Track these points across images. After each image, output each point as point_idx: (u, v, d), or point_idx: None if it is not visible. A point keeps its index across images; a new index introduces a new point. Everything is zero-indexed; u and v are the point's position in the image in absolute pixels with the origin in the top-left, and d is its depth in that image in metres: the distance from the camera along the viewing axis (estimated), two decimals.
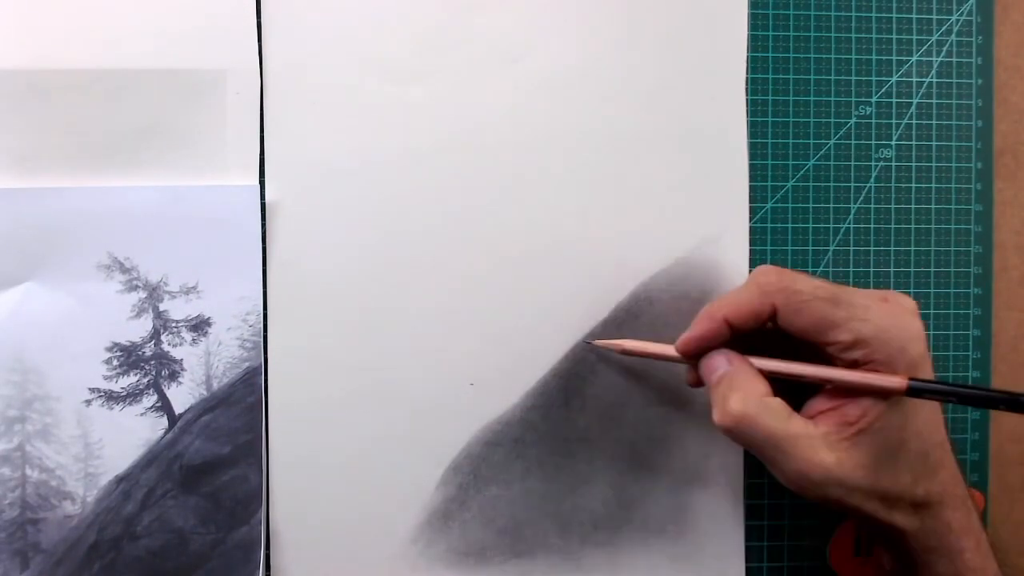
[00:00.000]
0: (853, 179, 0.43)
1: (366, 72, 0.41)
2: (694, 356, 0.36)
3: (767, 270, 0.35)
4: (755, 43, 0.43)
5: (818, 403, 0.34)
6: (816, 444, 0.33)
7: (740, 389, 0.34)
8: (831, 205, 0.43)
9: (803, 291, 0.34)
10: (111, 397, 0.39)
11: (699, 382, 0.37)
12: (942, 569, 0.34)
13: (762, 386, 0.34)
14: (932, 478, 0.34)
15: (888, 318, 0.33)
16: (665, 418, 0.42)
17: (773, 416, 0.33)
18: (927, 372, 0.33)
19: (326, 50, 0.40)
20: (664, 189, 0.42)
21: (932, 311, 0.43)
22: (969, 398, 0.33)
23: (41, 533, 0.39)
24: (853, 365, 0.33)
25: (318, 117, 0.40)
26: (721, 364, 0.35)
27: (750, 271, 0.42)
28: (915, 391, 0.32)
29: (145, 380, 0.40)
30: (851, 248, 0.43)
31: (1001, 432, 0.44)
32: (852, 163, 0.43)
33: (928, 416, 0.34)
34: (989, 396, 0.32)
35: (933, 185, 0.43)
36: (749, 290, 0.35)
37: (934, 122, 0.43)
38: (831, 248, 0.43)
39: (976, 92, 0.43)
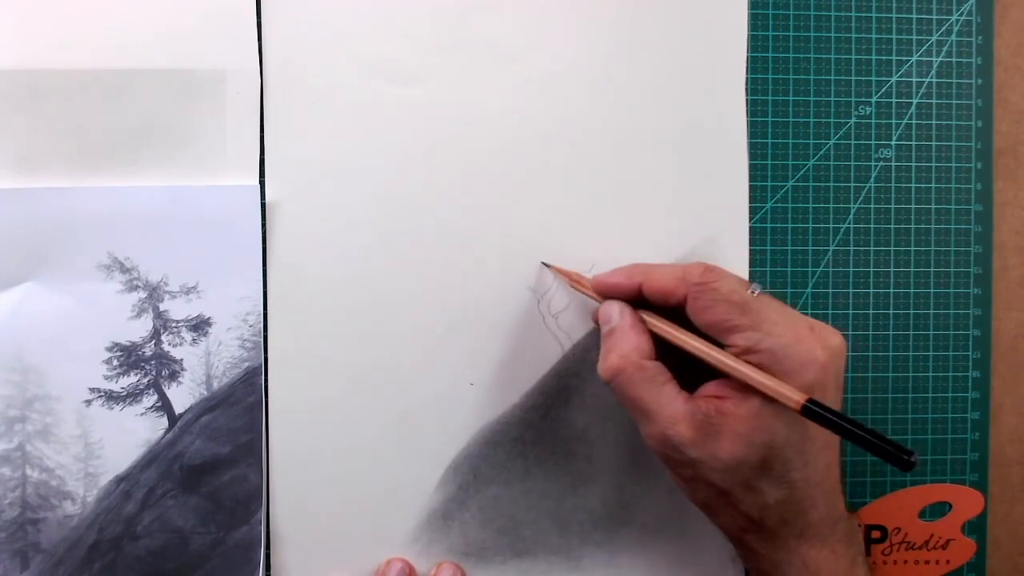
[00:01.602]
0: (853, 179, 0.43)
1: (366, 72, 0.41)
2: (603, 296, 0.38)
3: (696, 264, 0.36)
4: (755, 43, 0.43)
5: (709, 387, 0.34)
6: (679, 417, 0.33)
7: (621, 346, 0.35)
8: (831, 205, 0.43)
9: (718, 290, 0.34)
10: (111, 397, 0.39)
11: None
12: None
13: (644, 347, 0.35)
14: (794, 512, 0.33)
15: (792, 341, 0.33)
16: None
17: (644, 379, 0.34)
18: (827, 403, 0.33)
19: (326, 50, 0.40)
20: (664, 189, 0.42)
21: (932, 311, 0.43)
22: (855, 436, 0.31)
23: (41, 533, 0.39)
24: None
25: (318, 117, 0.40)
26: (613, 315, 0.36)
27: (750, 271, 0.42)
28: (809, 411, 0.31)
29: (145, 380, 0.40)
30: (851, 248, 0.43)
31: (1001, 432, 0.44)
32: (852, 163, 0.43)
33: (812, 449, 0.33)
34: (876, 443, 0.30)
35: (933, 185, 0.43)
36: (673, 272, 0.36)
37: (934, 122, 0.43)
38: (831, 248, 0.43)
39: (976, 92, 0.43)
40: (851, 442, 0.31)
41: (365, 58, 0.41)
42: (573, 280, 0.40)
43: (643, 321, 0.36)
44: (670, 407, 0.34)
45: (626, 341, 0.35)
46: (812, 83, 0.43)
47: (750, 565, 0.37)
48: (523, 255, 0.41)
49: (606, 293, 0.38)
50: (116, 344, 0.40)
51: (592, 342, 0.41)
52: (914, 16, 0.43)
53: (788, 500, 0.33)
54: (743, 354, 0.33)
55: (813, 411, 0.31)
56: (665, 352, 0.36)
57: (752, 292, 0.34)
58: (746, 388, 0.33)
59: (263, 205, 0.40)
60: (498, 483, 0.41)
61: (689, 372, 0.35)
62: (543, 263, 0.41)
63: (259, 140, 0.40)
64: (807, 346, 0.33)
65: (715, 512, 0.35)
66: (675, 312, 0.36)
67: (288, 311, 0.40)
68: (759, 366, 0.33)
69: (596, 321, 0.39)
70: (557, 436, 0.42)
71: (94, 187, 0.39)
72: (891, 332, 0.43)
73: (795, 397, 0.31)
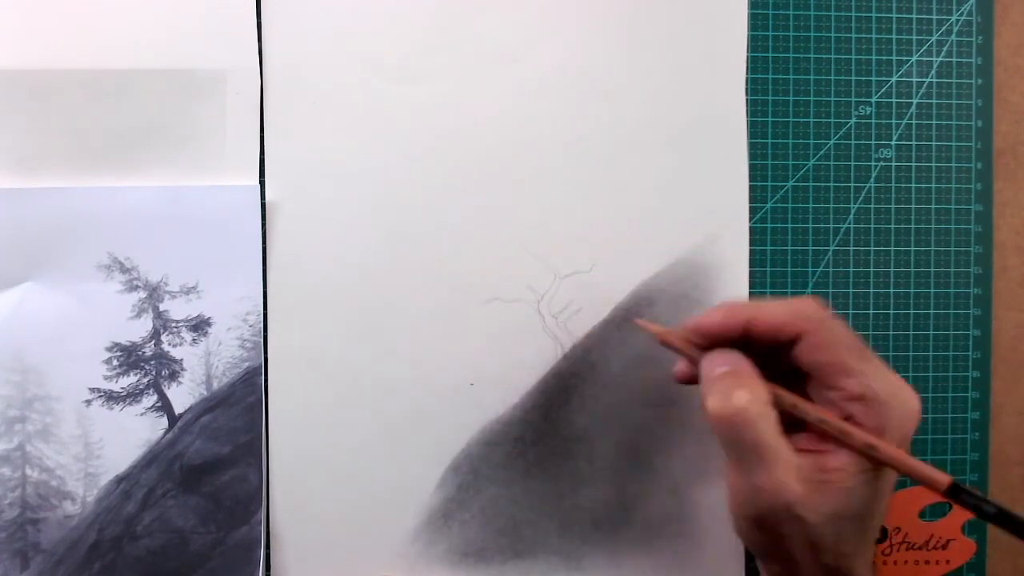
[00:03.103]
0: (853, 179, 0.43)
1: (366, 72, 0.41)
2: (700, 345, 0.35)
3: (810, 300, 0.34)
4: (755, 43, 0.43)
5: (800, 439, 0.33)
6: (794, 469, 0.32)
7: (749, 387, 0.33)
8: (831, 205, 0.43)
9: (835, 330, 0.33)
10: (111, 397, 0.39)
11: (688, 377, 0.36)
12: None
13: (767, 394, 0.33)
14: (855, 558, 0.33)
15: (900, 390, 0.32)
16: (665, 418, 0.42)
17: (769, 424, 0.32)
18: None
19: (326, 50, 0.40)
20: (664, 189, 0.42)
21: (932, 311, 0.43)
22: (1005, 520, 0.30)
23: (41, 533, 0.39)
24: (842, 416, 0.33)
25: (318, 117, 0.40)
26: (729, 361, 0.34)
27: (750, 271, 0.42)
28: (954, 492, 0.30)
29: (145, 380, 0.40)
30: (851, 248, 0.43)
31: (1001, 432, 0.44)
32: (852, 163, 0.43)
33: (888, 500, 0.33)
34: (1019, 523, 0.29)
35: (933, 185, 0.43)
36: (783, 307, 0.34)
37: (934, 122, 0.43)
38: (831, 248, 0.43)
39: (976, 92, 0.43)
40: (996, 525, 0.30)
41: (365, 58, 0.41)
42: (660, 336, 0.36)
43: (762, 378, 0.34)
44: (787, 459, 0.32)
45: (752, 384, 0.33)
46: (812, 83, 0.43)
47: None
48: (523, 255, 0.41)
49: (705, 338, 0.35)
50: (116, 344, 0.40)
51: (592, 342, 0.41)
52: (914, 16, 0.43)
53: (856, 549, 0.33)
54: (855, 399, 0.32)
55: (958, 491, 0.30)
56: None
57: None
58: (839, 440, 0.32)
59: (263, 205, 0.40)
60: (498, 483, 0.41)
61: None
62: (635, 321, 0.38)
63: (259, 140, 0.40)
64: (909, 400, 0.32)
65: (791, 565, 0.33)
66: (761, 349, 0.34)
67: (288, 311, 0.40)
68: (866, 413, 0.32)
69: (680, 375, 0.37)
70: (557, 436, 0.42)
71: (94, 187, 0.39)
72: (891, 332, 0.43)
73: (942, 480, 0.31)
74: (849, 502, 0.32)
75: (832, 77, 0.43)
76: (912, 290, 0.43)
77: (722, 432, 0.33)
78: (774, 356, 0.34)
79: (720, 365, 0.34)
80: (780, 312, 0.34)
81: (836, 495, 0.32)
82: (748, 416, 0.32)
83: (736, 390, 0.33)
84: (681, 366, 0.37)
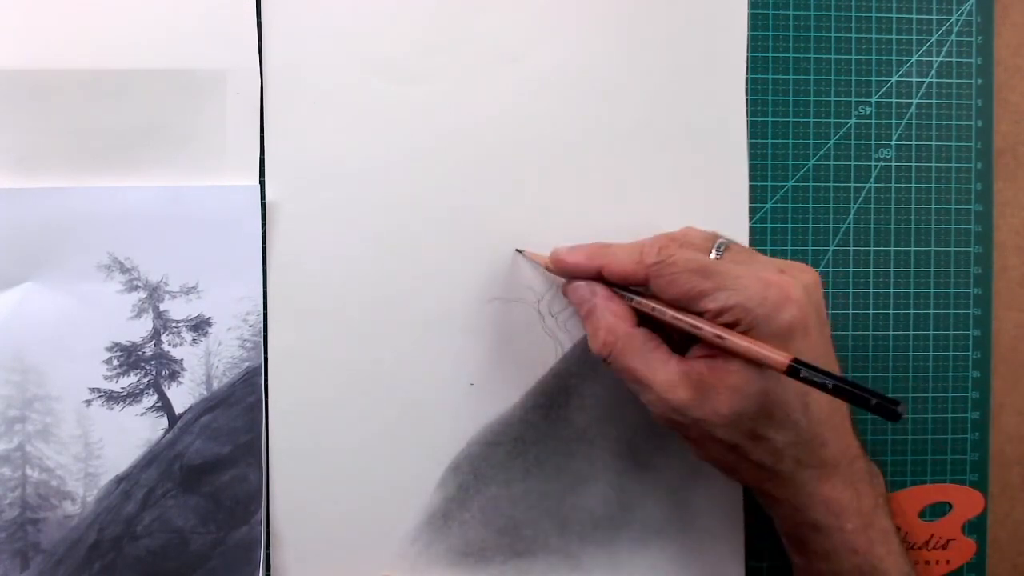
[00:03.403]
0: (853, 179, 0.43)
1: (366, 72, 0.41)
2: (564, 276, 0.39)
3: (660, 239, 0.36)
4: (755, 43, 0.43)
5: (699, 348, 0.35)
6: (676, 380, 0.34)
7: (606, 319, 0.36)
8: (831, 205, 0.43)
9: (676, 263, 0.34)
10: (111, 397, 0.39)
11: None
12: (818, 545, 0.35)
13: (627, 316, 0.36)
14: (807, 452, 0.34)
15: (762, 286, 0.33)
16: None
17: (635, 348, 0.35)
18: (810, 340, 0.33)
19: (326, 50, 0.40)
20: (664, 189, 0.42)
21: (932, 311, 0.43)
22: (842, 391, 0.31)
23: (41, 533, 0.39)
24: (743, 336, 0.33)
25: (318, 117, 0.40)
26: (585, 295, 0.37)
27: None
28: (794, 371, 0.31)
29: (145, 380, 0.40)
30: (851, 248, 0.43)
31: (1001, 432, 0.44)
32: (852, 163, 0.43)
33: (812, 393, 0.33)
34: (862, 394, 0.30)
35: (933, 185, 0.43)
36: (631, 255, 0.36)
37: (934, 122, 0.43)
38: (831, 248, 0.43)
39: (976, 92, 0.43)
40: (838, 397, 0.31)
41: (365, 58, 0.41)
42: (544, 264, 0.39)
43: (618, 293, 0.37)
44: (664, 372, 0.34)
45: (608, 314, 0.36)
46: (812, 83, 0.43)
47: (777, 515, 0.37)
48: (523, 255, 0.41)
49: (569, 274, 0.38)
50: (116, 344, 0.40)
51: None
52: (914, 16, 0.43)
53: (796, 442, 0.34)
54: (717, 316, 0.33)
55: (798, 371, 0.31)
56: (648, 322, 0.36)
57: (718, 248, 0.35)
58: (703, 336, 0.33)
59: (263, 205, 0.40)
60: (498, 483, 0.41)
61: (680, 338, 0.36)
62: (517, 250, 0.41)
63: (259, 140, 0.40)
64: (778, 290, 0.33)
65: (730, 468, 0.36)
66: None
67: (288, 311, 0.40)
68: (735, 323, 0.33)
69: (569, 301, 0.39)
70: (557, 436, 0.42)
71: (94, 187, 0.39)
72: (891, 332, 0.43)
73: (779, 359, 0.31)
74: (746, 401, 0.33)
75: (832, 77, 0.43)
76: (912, 290, 0.43)
77: (610, 367, 0.36)
78: None
79: (580, 302, 0.37)
80: (627, 260, 0.36)
81: (729, 395, 0.33)
82: (616, 347, 0.35)
83: (599, 327, 0.36)
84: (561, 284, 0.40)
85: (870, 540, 0.35)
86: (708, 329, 0.33)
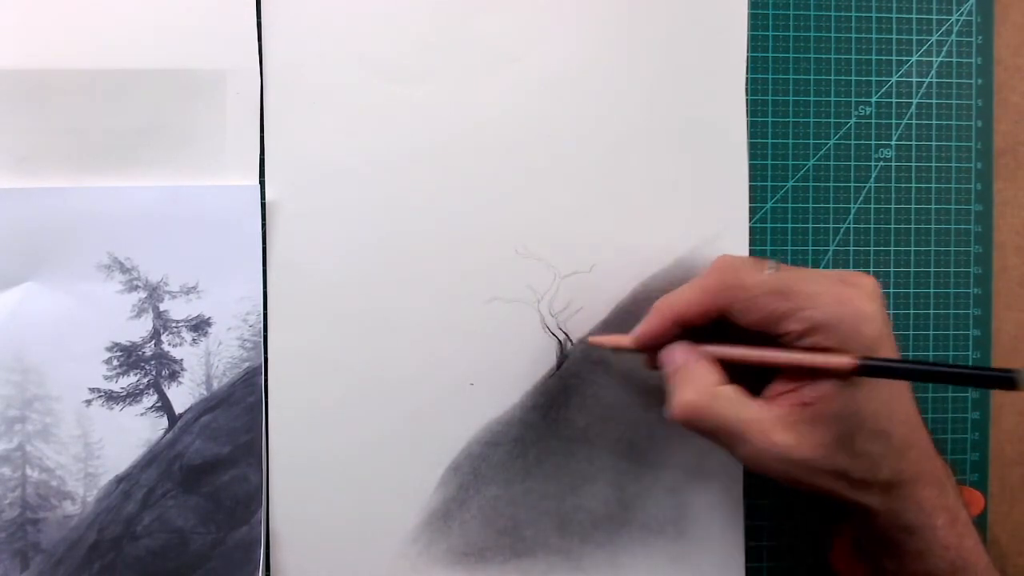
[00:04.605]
0: (853, 179, 0.43)
1: (366, 72, 0.41)
2: (651, 349, 0.37)
3: (719, 266, 0.36)
4: (755, 43, 0.43)
5: (777, 386, 0.34)
6: (770, 427, 0.33)
7: (691, 381, 0.35)
8: (831, 205, 0.43)
9: (749, 287, 0.34)
10: (111, 397, 0.39)
11: (656, 366, 0.38)
12: (912, 546, 0.35)
13: (713, 375, 0.35)
14: (899, 458, 0.34)
15: (838, 303, 0.33)
16: (665, 418, 0.42)
17: (725, 403, 0.34)
18: (889, 352, 0.33)
19: (326, 50, 0.40)
20: (664, 189, 0.42)
21: (932, 311, 0.43)
22: (922, 374, 0.31)
23: (41, 533, 0.39)
24: (811, 351, 0.33)
25: (318, 117, 0.40)
26: (676, 358, 0.36)
27: None
28: (865, 370, 0.32)
29: (145, 380, 0.40)
30: (851, 248, 0.43)
31: (1001, 432, 0.44)
32: (852, 163, 0.43)
33: (891, 396, 0.34)
34: (944, 372, 0.31)
35: (933, 185, 0.43)
36: (695, 291, 0.35)
37: (934, 122, 0.43)
38: (831, 248, 0.43)
39: (976, 92, 0.43)
40: (921, 381, 0.31)
41: (365, 58, 0.41)
42: (615, 347, 0.39)
43: (706, 354, 0.35)
44: (759, 421, 0.33)
45: (694, 375, 0.35)
46: (812, 83, 0.43)
47: (870, 525, 0.36)
48: (523, 255, 0.41)
49: (649, 344, 0.37)
50: (116, 344, 0.40)
51: None
52: (914, 16, 0.43)
53: (890, 449, 0.33)
54: (803, 335, 0.33)
55: (867, 367, 0.31)
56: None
57: (772, 271, 0.34)
58: (804, 371, 0.33)
59: (263, 205, 0.40)
60: (498, 483, 0.41)
61: (748, 381, 0.35)
62: (590, 340, 0.41)
63: (259, 140, 0.40)
64: (854, 304, 0.33)
65: (841, 494, 0.35)
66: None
67: (288, 311, 0.40)
68: (821, 341, 0.33)
69: (649, 367, 0.38)
70: (557, 436, 0.42)
71: (94, 187, 0.39)
72: None
73: (845, 362, 0.32)
74: (845, 424, 0.33)
75: (832, 77, 0.43)
76: (912, 290, 0.43)
77: (693, 430, 0.35)
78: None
79: (668, 365, 0.36)
80: (696, 299, 0.35)
81: (828, 424, 0.33)
82: (700, 408, 0.34)
83: (682, 389, 0.35)
84: (647, 359, 0.38)
85: (959, 534, 0.35)
86: (779, 357, 0.33)
